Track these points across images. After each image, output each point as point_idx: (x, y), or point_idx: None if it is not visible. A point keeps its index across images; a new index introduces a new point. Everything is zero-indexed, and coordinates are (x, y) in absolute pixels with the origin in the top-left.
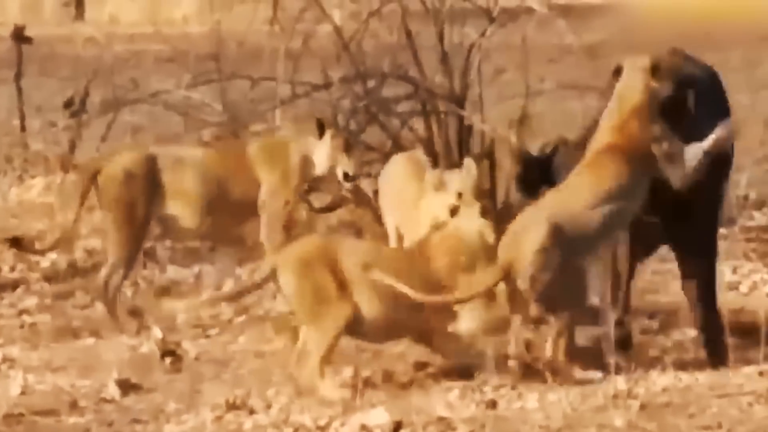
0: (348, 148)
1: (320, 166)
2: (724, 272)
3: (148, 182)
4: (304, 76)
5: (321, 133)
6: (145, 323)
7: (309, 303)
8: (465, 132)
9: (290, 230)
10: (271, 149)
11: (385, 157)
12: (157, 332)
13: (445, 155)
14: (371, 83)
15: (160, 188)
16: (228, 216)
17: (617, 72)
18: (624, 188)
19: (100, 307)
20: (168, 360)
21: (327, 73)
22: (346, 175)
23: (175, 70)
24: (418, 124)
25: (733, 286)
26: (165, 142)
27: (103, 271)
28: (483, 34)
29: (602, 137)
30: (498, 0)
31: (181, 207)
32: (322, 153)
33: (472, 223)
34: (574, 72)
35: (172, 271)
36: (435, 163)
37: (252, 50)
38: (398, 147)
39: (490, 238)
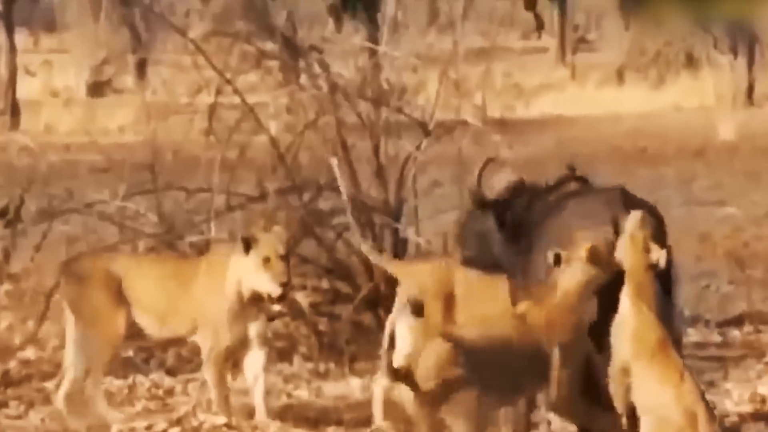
0: (273, 264)
1: (246, 286)
2: None
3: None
4: (240, 187)
5: (246, 250)
6: None
7: None
8: (400, 245)
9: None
10: (215, 269)
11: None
12: None
13: (380, 267)
14: (307, 195)
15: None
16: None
17: (557, 260)
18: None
19: (33, 417)
20: None
21: (263, 185)
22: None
23: (111, 180)
24: (353, 238)
25: None
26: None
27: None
28: (418, 147)
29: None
30: (434, 113)
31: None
32: (248, 272)
33: None
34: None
35: (106, 381)
36: (369, 275)
37: (188, 160)
38: (333, 260)
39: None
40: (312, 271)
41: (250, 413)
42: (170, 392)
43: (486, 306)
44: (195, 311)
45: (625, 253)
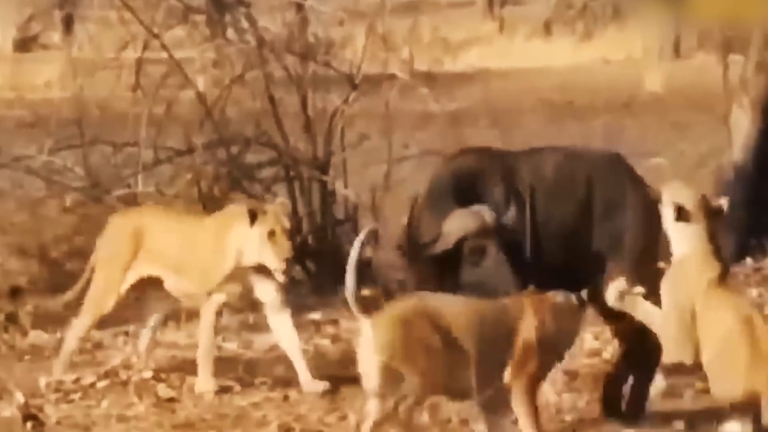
0: (278, 239)
1: (248, 258)
2: (585, 339)
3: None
4: (167, 141)
5: (252, 222)
6: (7, 387)
7: None
8: (328, 197)
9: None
10: (220, 231)
11: None
12: (18, 396)
13: (308, 220)
14: (234, 149)
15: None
16: None
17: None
18: None
19: None
20: (30, 424)
21: (190, 139)
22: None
23: (37, 135)
24: (282, 190)
25: (595, 353)
26: (27, 206)
27: None
28: (346, 101)
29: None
30: (361, 67)
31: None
32: (252, 243)
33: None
34: (438, 139)
35: (34, 336)
36: (299, 229)
37: (115, 116)
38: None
39: None
40: None
41: (179, 366)
42: (99, 346)
43: None
44: (204, 270)
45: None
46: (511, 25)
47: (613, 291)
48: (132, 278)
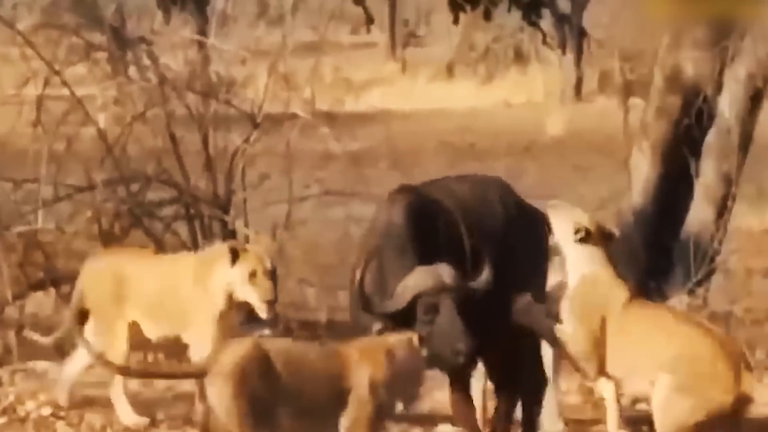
0: (259, 280)
1: (234, 294)
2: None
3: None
4: (68, 178)
5: (233, 261)
6: None
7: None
8: (229, 236)
9: None
10: (202, 270)
11: None
12: None
13: None
14: (135, 187)
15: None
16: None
17: None
18: None
19: None
20: None
21: (91, 176)
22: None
23: None
24: (182, 229)
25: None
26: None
27: None
28: (247, 140)
29: None
30: (262, 106)
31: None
32: (234, 283)
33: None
34: (339, 179)
35: None
36: None
37: (15, 152)
38: (162, 251)
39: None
40: None
41: (79, 404)
42: None
43: None
44: (184, 310)
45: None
46: (413, 67)
47: (520, 305)
48: (126, 320)
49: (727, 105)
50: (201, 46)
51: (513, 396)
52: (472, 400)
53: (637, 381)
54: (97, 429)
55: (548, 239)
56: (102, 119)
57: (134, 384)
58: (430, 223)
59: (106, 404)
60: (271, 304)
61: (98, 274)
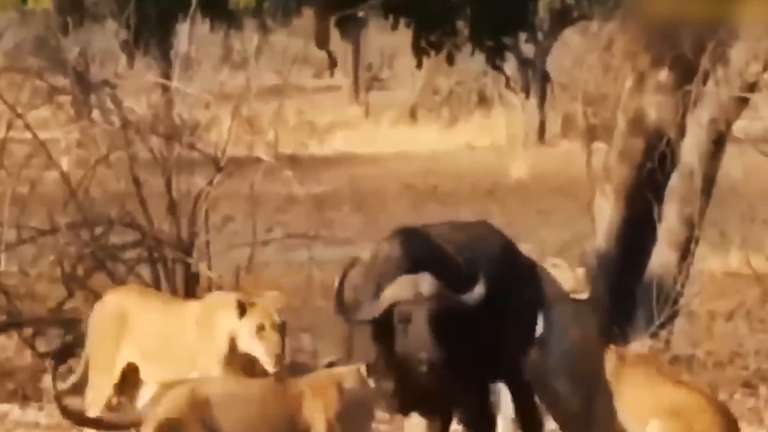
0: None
1: (240, 345)
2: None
3: None
4: (31, 221)
5: (241, 315)
6: None
7: None
8: (192, 279)
9: None
10: (207, 317)
11: None
12: None
13: None
14: (98, 230)
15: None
16: None
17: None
18: None
19: None
20: None
21: (54, 219)
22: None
23: None
24: (145, 271)
25: None
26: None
27: None
28: (211, 183)
29: None
30: (226, 149)
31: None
32: (242, 334)
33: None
34: (302, 222)
35: None
36: None
37: None
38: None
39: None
40: None
41: None
42: None
43: None
44: (189, 353)
45: None
46: (376, 110)
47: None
48: (121, 363)
49: (690, 149)
50: (164, 89)
51: None
52: None
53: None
54: None
55: (541, 288)
56: (65, 162)
57: None
58: (427, 254)
59: None
60: (279, 357)
61: (102, 312)
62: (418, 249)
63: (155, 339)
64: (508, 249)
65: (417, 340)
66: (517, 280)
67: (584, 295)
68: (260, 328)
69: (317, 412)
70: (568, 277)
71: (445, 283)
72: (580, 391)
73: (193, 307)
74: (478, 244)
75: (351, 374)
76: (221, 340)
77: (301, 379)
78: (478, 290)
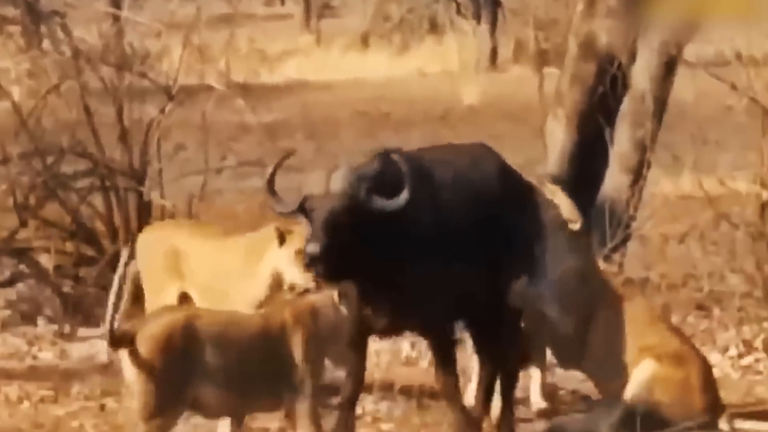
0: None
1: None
2: (403, 348)
3: None
4: None
5: (280, 242)
6: None
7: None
8: (144, 208)
9: None
10: (252, 251)
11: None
12: None
13: (124, 230)
14: (50, 159)
15: None
16: None
17: None
18: None
19: None
20: None
21: (5, 149)
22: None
23: None
24: (98, 200)
25: (413, 362)
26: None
27: None
28: (162, 112)
29: None
30: (177, 78)
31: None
32: (282, 263)
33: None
34: (255, 150)
35: None
36: (113, 238)
37: None
38: (77, 223)
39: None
40: (56, 234)
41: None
42: None
43: None
44: (227, 294)
45: None
46: (328, 38)
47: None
48: (175, 293)
49: (641, 72)
50: (115, 18)
51: (493, 368)
52: (455, 373)
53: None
54: (14, 401)
55: (538, 215)
56: (16, 92)
57: (49, 355)
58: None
59: (20, 376)
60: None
61: (151, 245)
62: (391, 167)
63: (206, 273)
64: (505, 173)
65: (310, 234)
66: (513, 205)
67: (577, 225)
68: (298, 253)
69: (296, 338)
70: (565, 204)
71: (389, 190)
72: (571, 319)
73: (238, 242)
74: (473, 167)
75: (324, 300)
76: (263, 278)
77: (283, 308)
78: (402, 197)
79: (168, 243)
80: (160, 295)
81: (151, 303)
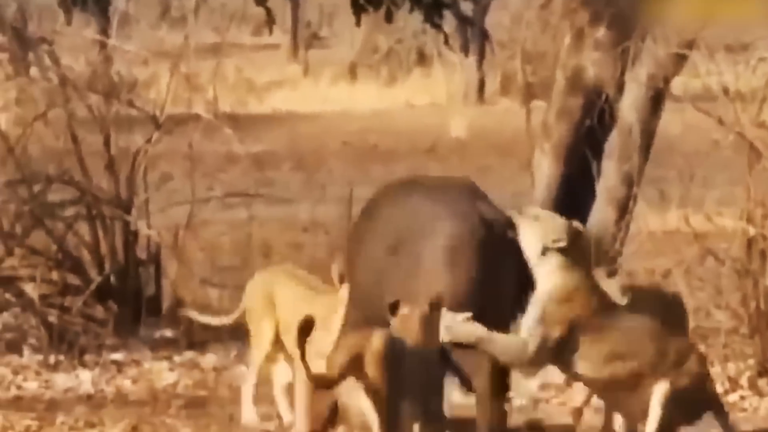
0: None
1: None
2: None
3: None
4: None
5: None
6: None
7: None
8: (131, 237)
9: None
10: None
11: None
12: None
13: (111, 260)
14: (37, 187)
15: None
16: None
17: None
18: None
19: None
20: None
21: None
22: None
23: None
24: (84, 229)
25: None
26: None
27: None
28: (149, 141)
29: None
30: (164, 107)
31: None
32: None
33: None
34: (242, 180)
35: None
36: (100, 268)
37: None
38: (63, 252)
39: None
40: (42, 262)
41: None
42: None
43: None
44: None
45: None
46: (315, 69)
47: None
48: (269, 337)
49: (629, 106)
50: (103, 46)
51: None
52: None
53: None
54: None
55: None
56: (3, 120)
57: (34, 385)
58: None
59: (4, 405)
60: None
61: (254, 285)
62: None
63: (293, 318)
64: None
65: None
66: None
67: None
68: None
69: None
70: (550, 228)
71: None
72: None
73: (327, 299)
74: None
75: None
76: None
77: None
78: None
79: (266, 286)
80: (259, 323)
81: (252, 339)
